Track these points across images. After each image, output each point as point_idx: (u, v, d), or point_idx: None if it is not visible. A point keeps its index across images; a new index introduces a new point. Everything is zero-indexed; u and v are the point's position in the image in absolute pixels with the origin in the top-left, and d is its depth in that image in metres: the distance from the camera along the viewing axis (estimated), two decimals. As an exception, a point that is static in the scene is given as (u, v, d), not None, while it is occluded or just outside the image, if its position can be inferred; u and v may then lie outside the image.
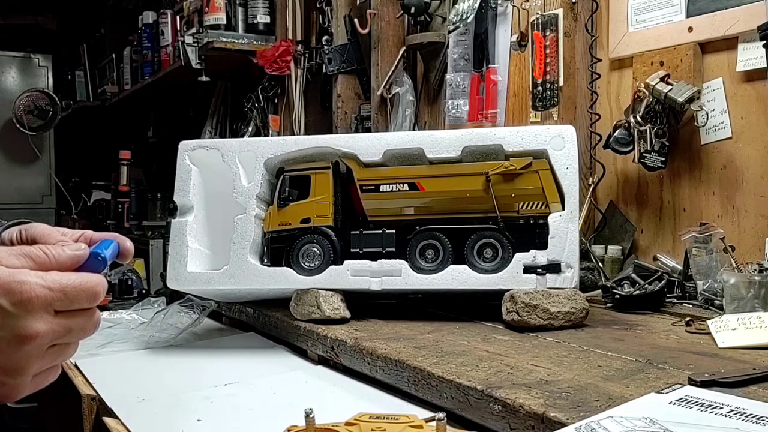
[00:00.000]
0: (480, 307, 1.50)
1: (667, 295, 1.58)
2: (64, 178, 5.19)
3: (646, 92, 1.72)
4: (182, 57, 3.24)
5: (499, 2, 2.10)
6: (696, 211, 1.75)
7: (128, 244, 0.79)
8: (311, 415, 0.85)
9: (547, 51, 1.95)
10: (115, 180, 4.38)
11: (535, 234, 1.44)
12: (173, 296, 1.94)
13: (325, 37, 2.76)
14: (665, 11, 1.79)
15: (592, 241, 1.91)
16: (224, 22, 3.11)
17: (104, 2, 5.39)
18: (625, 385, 0.96)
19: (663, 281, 1.55)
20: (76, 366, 1.46)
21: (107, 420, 1.17)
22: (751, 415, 0.79)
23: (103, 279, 0.72)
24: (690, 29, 1.73)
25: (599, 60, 1.94)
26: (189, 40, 3.19)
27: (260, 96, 3.23)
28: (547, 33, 1.95)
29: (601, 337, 1.29)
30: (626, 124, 1.77)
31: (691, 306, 1.55)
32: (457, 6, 2.13)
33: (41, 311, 0.67)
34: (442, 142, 1.48)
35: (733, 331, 1.22)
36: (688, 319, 1.39)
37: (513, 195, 1.45)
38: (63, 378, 1.39)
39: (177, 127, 4.47)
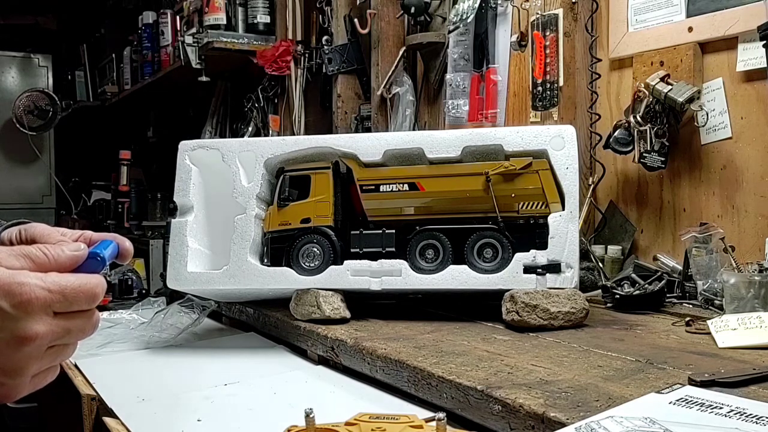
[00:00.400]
0: (480, 307, 1.50)
1: (667, 295, 1.58)
2: (64, 178, 5.19)
3: (646, 92, 1.72)
4: (182, 57, 3.24)
5: (499, 2, 2.10)
6: (696, 211, 1.75)
7: (127, 244, 0.79)
8: (311, 415, 0.85)
9: (547, 51, 1.95)
10: (115, 180, 4.38)
11: (535, 234, 1.44)
12: (173, 296, 1.94)
13: (325, 37, 2.76)
14: (665, 11, 1.79)
15: (592, 241, 1.91)
16: (224, 22, 3.11)
17: (104, 2, 5.39)
18: (625, 385, 0.96)
19: (663, 281, 1.55)
20: (76, 366, 1.46)
21: (107, 420, 1.17)
22: (751, 415, 0.79)
23: (102, 280, 0.72)
24: (690, 29, 1.73)
25: (599, 60, 1.94)
26: (189, 40, 3.19)
27: (260, 96, 3.23)
28: (547, 33, 1.95)
29: (601, 337, 1.29)
30: (626, 124, 1.77)
31: (691, 306, 1.55)
32: (457, 6, 2.13)
33: (41, 313, 0.67)
34: (442, 142, 1.48)
35: (733, 331, 1.22)
36: (688, 319, 1.39)
37: (513, 195, 1.45)
38: (63, 378, 1.39)
39: (177, 127, 4.47)
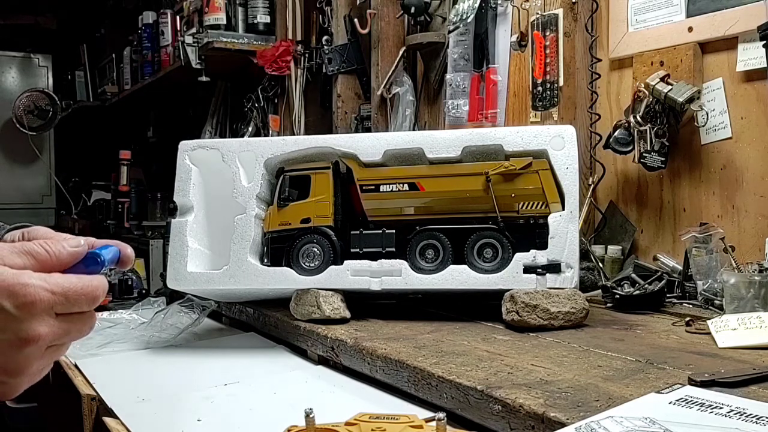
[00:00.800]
0: (480, 307, 1.50)
1: (667, 295, 1.58)
2: (64, 178, 5.19)
3: (646, 92, 1.72)
4: (182, 57, 3.24)
5: (499, 2, 2.10)
6: (696, 211, 1.75)
7: (129, 251, 0.80)
8: (311, 415, 0.85)
9: (547, 51, 1.95)
10: (115, 180, 4.38)
11: (535, 234, 1.44)
12: (173, 296, 1.94)
13: (325, 37, 2.76)
14: (665, 11, 1.79)
15: (592, 241, 1.91)
16: (224, 22, 3.11)
17: (104, 2, 5.39)
18: (625, 385, 0.96)
19: (663, 281, 1.55)
20: (76, 366, 1.45)
21: (107, 420, 1.17)
22: (751, 415, 0.79)
23: (104, 282, 0.72)
24: (690, 29, 1.73)
25: (599, 60, 1.94)
26: (189, 40, 3.19)
27: (260, 96, 3.23)
28: (547, 33, 1.95)
29: (601, 337, 1.29)
30: (626, 124, 1.77)
31: (691, 306, 1.55)
32: (457, 6, 2.13)
33: (43, 314, 0.68)
34: (442, 142, 1.48)
35: (733, 331, 1.22)
36: (688, 319, 1.39)
37: (513, 195, 1.45)
38: (63, 378, 1.39)
39: (177, 127, 4.46)
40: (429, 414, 1.03)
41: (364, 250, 1.49)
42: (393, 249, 1.48)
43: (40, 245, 0.70)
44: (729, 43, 1.66)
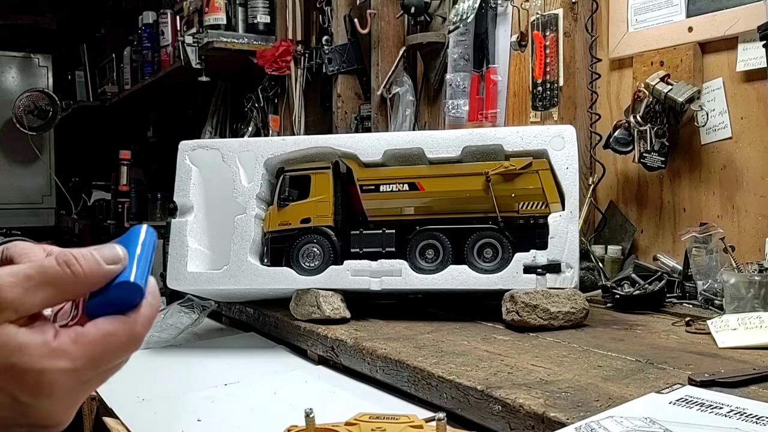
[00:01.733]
0: (480, 307, 1.50)
1: (667, 295, 1.58)
2: (64, 178, 5.18)
3: (646, 92, 1.72)
4: (182, 57, 3.23)
5: (499, 2, 2.10)
6: (696, 211, 1.75)
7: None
8: (311, 415, 0.85)
9: (547, 51, 1.95)
10: (115, 180, 4.37)
11: (535, 234, 1.44)
12: (173, 296, 1.94)
13: (325, 37, 2.76)
14: (665, 11, 1.79)
15: (592, 241, 1.91)
16: (224, 22, 3.10)
17: (104, 2, 5.38)
18: (625, 385, 0.96)
19: (663, 281, 1.55)
20: (76, 366, 1.45)
21: (107, 420, 1.17)
22: (751, 415, 0.79)
23: (149, 315, 0.57)
24: (690, 29, 1.73)
25: (599, 60, 1.94)
26: (189, 40, 3.19)
27: (260, 96, 3.23)
28: (547, 33, 1.95)
29: (601, 337, 1.29)
30: (626, 124, 1.77)
31: (691, 306, 1.55)
32: (457, 6, 2.13)
33: (65, 396, 0.56)
34: (442, 142, 1.48)
35: (733, 331, 1.22)
36: (688, 319, 1.39)
37: (513, 195, 1.45)
38: (63, 378, 1.39)
39: (177, 127, 4.46)
40: (429, 414, 1.03)
41: (364, 250, 1.49)
42: (393, 249, 1.48)
43: (68, 264, 0.54)
44: (729, 43, 1.66)
